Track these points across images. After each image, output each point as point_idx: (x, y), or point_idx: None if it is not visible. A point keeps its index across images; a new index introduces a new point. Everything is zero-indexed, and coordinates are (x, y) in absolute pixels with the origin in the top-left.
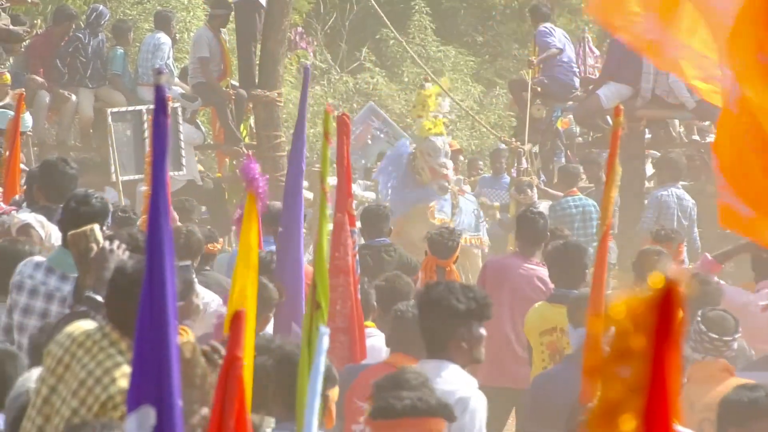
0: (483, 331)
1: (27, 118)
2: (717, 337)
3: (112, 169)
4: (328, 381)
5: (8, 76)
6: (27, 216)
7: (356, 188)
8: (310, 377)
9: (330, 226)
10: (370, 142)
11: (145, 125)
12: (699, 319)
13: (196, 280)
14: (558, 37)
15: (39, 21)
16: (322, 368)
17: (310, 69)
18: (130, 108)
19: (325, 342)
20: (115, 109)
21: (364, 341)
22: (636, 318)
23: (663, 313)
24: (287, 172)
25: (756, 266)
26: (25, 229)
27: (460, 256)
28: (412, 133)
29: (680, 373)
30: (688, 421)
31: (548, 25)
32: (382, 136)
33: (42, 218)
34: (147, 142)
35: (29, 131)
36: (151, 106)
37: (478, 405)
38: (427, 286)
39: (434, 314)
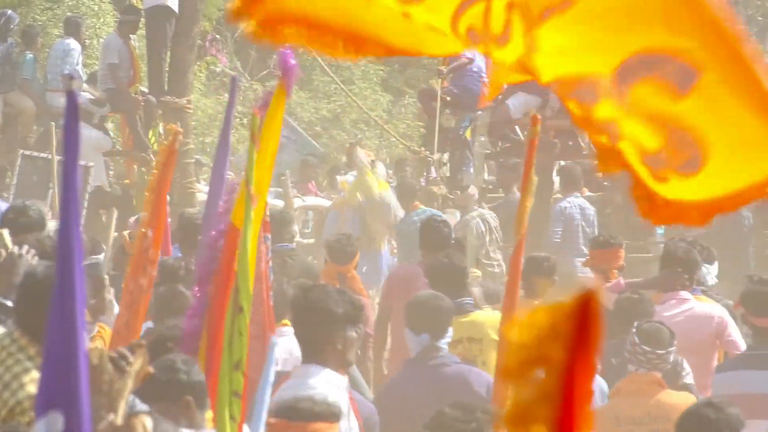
0: (355, 334)
1: None
2: (650, 350)
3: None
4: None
5: None
6: None
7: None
8: (260, 386)
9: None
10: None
11: (54, 174)
12: (634, 330)
13: (106, 276)
14: None
15: None
16: (272, 378)
17: (237, 79)
18: (42, 154)
19: (277, 352)
20: (27, 152)
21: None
22: (553, 326)
23: (580, 322)
24: (210, 182)
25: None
26: None
27: None
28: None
29: (591, 384)
30: None
31: None
32: (292, 143)
33: None
34: (51, 192)
35: None
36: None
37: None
38: (304, 291)
39: (312, 318)
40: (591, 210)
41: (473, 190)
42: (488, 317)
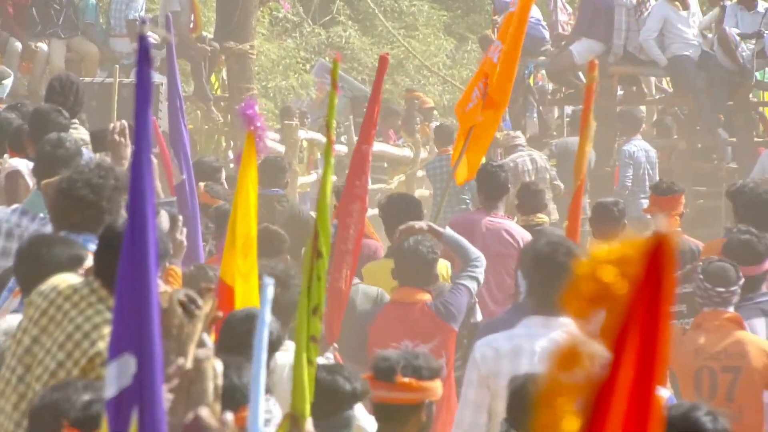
0: None
1: (6, 85)
2: (723, 290)
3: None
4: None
5: None
6: (18, 162)
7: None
8: (257, 330)
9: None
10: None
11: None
12: (700, 275)
13: (180, 217)
14: None
15: None
16: (268, 318)
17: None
18: (97, 79)
19: (270, 292)
20: (85, 79)
21: (357, 260)
22: (622, 264)
23: (652, 264)
24: (169, 122)
25: None
26: (14, 176)
27: None
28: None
29: (669, 322)
30: (686, 366)
31: None
32: (339, 91)
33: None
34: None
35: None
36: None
37: None
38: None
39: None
40: (653, 152)
41: (518, 133)
42: None
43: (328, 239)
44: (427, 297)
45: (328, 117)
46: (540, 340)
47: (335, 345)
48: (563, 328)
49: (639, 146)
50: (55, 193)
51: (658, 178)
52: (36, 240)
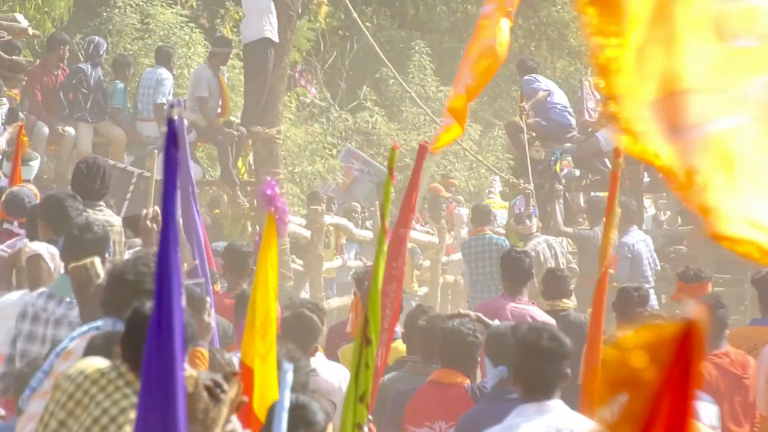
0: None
1: (34, 167)
2: None
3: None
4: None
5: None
6: (39, 246)
7: (295, 224)
8: (276, 412)
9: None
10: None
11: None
12: None
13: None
14: (544, 83)
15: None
16: (286, 404)
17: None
18: (120, 164)
19: (289, 378)
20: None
21: (392, 339)
22: (650, 351)
23: (682, 350)
24: (181, 208)
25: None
26: (35, 260)
27: None
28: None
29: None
30: None
31: (533, 75)
32: (365, 176)
33: (54, 251)
34: (126, 204)
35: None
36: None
37: None
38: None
39: (541, 357)
40: (650, 239)
41: (532, 222)
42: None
43: (377, 327)
44: (466, 380)
45: (383, 205)
46: (538, 427)
47: (370, 417)
48: (555, 412)
49: (638, 237)
50: (117, 282)
51: (659, 264)
52: (112, 336)
